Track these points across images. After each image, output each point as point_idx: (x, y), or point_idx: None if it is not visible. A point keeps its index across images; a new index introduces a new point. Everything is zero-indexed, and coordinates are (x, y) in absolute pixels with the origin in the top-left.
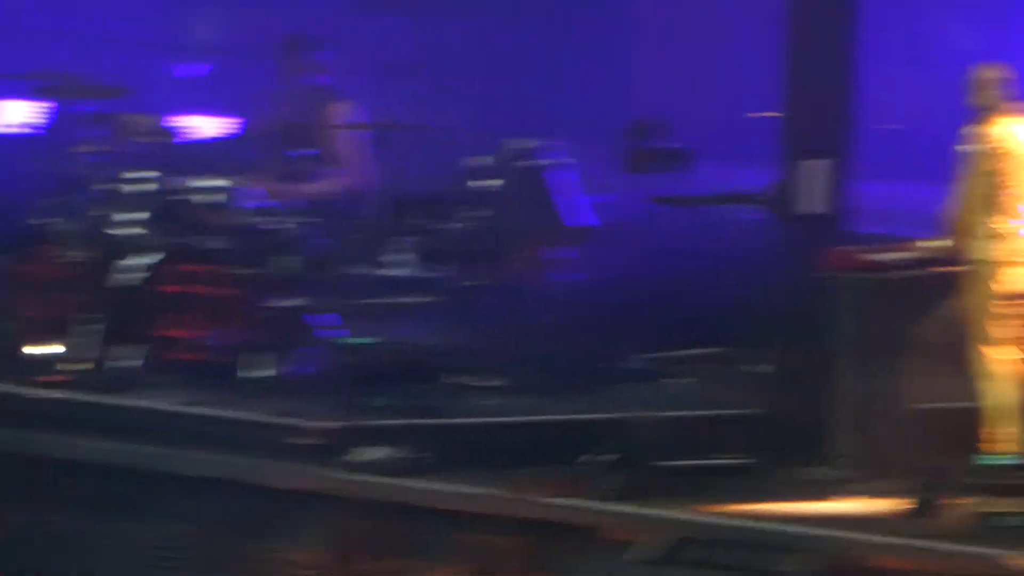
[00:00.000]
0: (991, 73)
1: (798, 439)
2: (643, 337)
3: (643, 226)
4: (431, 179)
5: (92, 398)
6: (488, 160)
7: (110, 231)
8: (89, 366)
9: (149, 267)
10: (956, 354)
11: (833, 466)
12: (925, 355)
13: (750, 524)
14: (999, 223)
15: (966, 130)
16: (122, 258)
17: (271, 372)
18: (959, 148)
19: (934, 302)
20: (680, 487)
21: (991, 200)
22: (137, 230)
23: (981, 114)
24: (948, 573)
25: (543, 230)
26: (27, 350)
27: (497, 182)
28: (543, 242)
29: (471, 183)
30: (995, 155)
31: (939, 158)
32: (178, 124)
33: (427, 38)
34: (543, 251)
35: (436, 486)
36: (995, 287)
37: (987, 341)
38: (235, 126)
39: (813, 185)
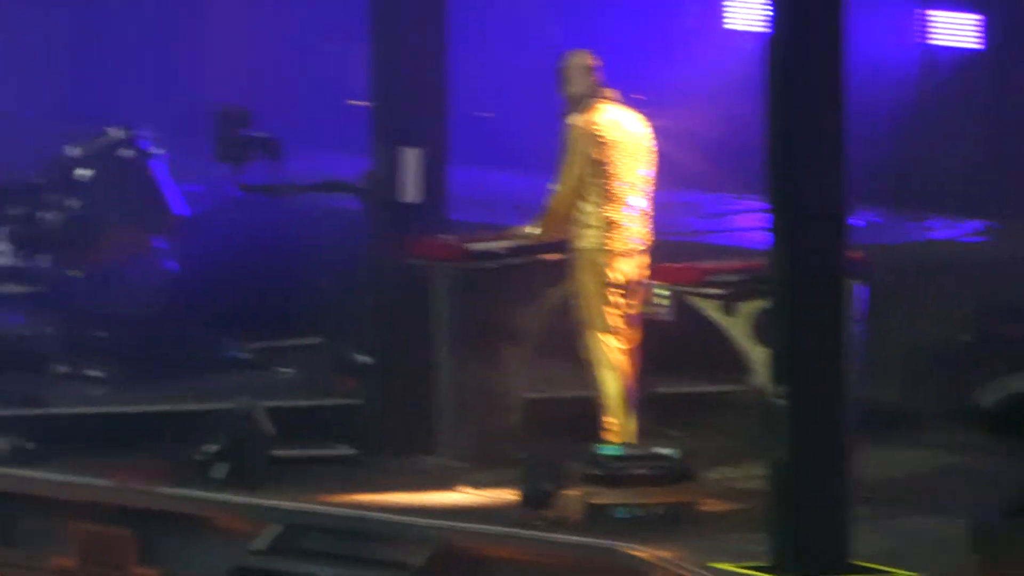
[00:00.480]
0: (583, 60)
1: (402, 429)
2: (242, 327)
3: (236, 216)
4: (23, 167)
5: None
6: (79, 148)
7: None
8: None
9: None
10: (561, 342)
11: (439, 456)
12: (529, 344)
13: (358, 514)
14: (608, 211)
15: (564, 118)
16: None
17: None
18: (560, 136)
19: (536, 290)
20: (288, 477)
21: (597, 188)
22: None
23: (577, 102)
24: (561, 563)
25: (136, 219)
26: None
27: (89, 171)
28: (137, 231)
29: (63, 171)
30: (598, 143)
31: (537, 146)
32: None
33: (14, 24)
34: (138, 240)
35: (41, 475)
36: (606, 275)
37: (600, 329)
38: None
39: (406, 173)
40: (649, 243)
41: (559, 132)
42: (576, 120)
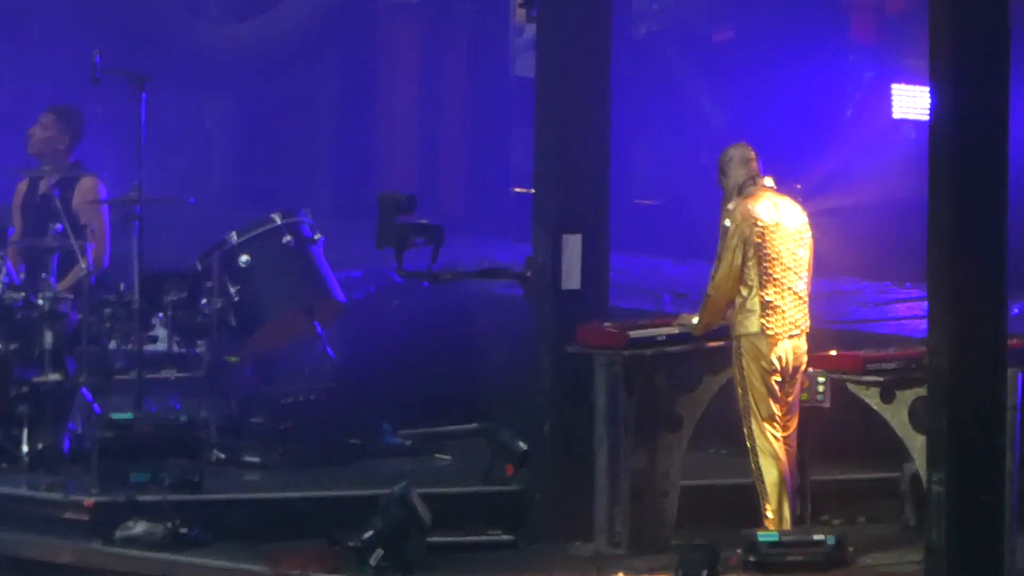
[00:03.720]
0: (742, 152)
1: (560, 516)
2: (400, 413)
3: (396, 301)
4: (185, 253)
5: None
6: (241, 234)
7: None
8: None
9: None
10: (724, 430)
11: (597, 543)
12: (688, 430)
13: None
14: (767, 296)
15: (723, 206)
16: None
17: (31, 447)
18: (720, 224)
19: (696, 377)
20: (445, 563)
21: (756, 274)
22: None
23: (736, 191)
24: None
25: (296, 305)
26: None
27: (250, 256)
28: (296, 317)
29: (224, 257)
30: (757, 229)
31: (697, 233)
32: None
33: (182, 113)
34: (297, 326)
35: (197, 560)
36: (766, 361)
37: (759, 416)
38: None
39: (567, 259)
40: (807, 329)
41: (719, 220)
42: (735, 207)
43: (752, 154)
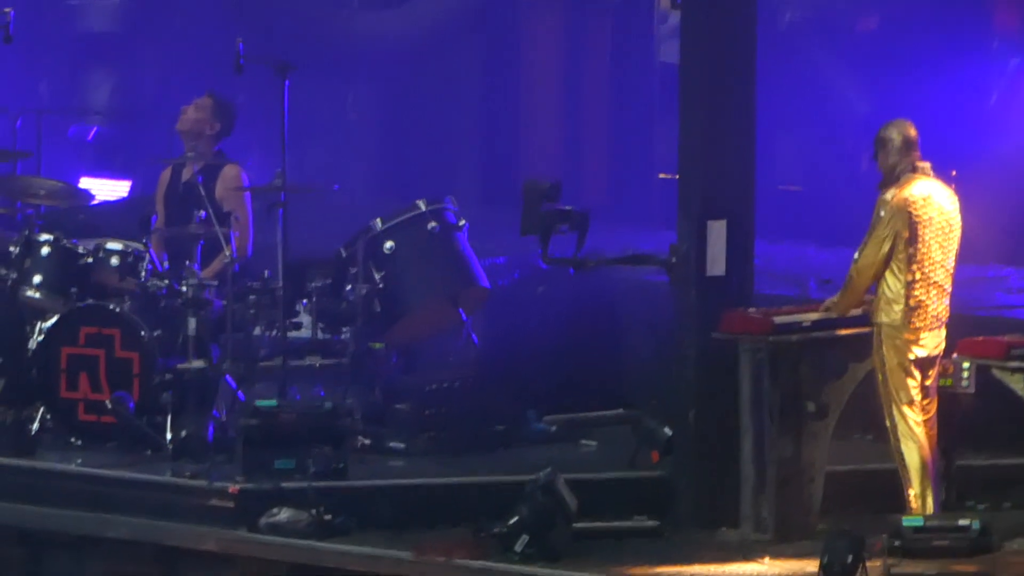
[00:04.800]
0: (904, 130)
1: (706, 502)
2: (545, 399)
3: (541, 287)
4: (330, 241)
5: None
6: (386, 221)
7: (14, 294)
8: None
9: (51, 330)
10: (868, 416)
11: (742, 529)
12: (832, 417)
13: None
14: (913, 288)
15: (879, 188)
16: (27, 320)
17: (175, 435)
18: (875, 208)
19: (840, 364)
20: (590, 550)
21: (903, 263)
22: (40, 293)
23: (893, 173)
24: None
25: (440, 291)
26: None
27: (395, 243)
28: (441, 304)
29: (369, 244)
30: (911, 220)
31: (841, 219)
32: (76, 187)
33: (325, 101)
34: (441, 312)
35: (342, 547)
36: (909, 350)
37: (902, 402)
38: (131, 189)
39: (712, 246)
40: (946, 319)
41: (863, 206)
42: (890, 194)
43: (913, 132)
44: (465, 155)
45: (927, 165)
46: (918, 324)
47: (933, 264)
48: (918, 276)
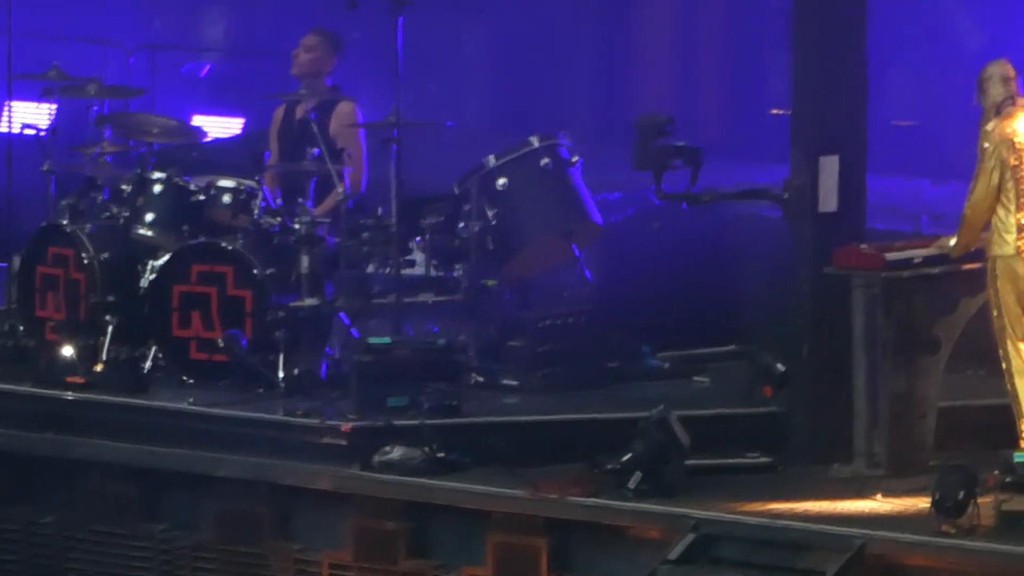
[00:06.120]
0: (1002, 70)
1: (819, 438)
2: (659, 336)
3: (656, 223)
4: (443, 178)
5: (108, 399)
6: (500, 158)
7: (127, 232)
8: (103, 367)
9: (164, 268)
10: (980, 351)
11: (855, 465)
12: (945, 352)
13: (772, 523)
14: None
15: (981, 126)
16: (139, 258)
17: (288, 372)
18: (977, 144)
19: (953, 299)
20: (703, 486)
21: (1014, 194)
22: (153, 231)
23: (995, 110)
24: (975, 571)
25: (554, 228)
26: (44, 351)
27: (508, 180)
28: (555, 240)
29: (483, 181)
30: (1016, 149)
31: (956, 154)
32: (189, 125)
33: (440, 37)
34: (555, 249)
35: (456, 485)
36: (1021, 283)
37: (1017, 337)
38: (244, 126)
39: (825, 181)
40: None
41: (976, 141)
42: (993, 127)
43: (1012, 72)
44: (579, 91)
45: None
46: None
47: None
48: None
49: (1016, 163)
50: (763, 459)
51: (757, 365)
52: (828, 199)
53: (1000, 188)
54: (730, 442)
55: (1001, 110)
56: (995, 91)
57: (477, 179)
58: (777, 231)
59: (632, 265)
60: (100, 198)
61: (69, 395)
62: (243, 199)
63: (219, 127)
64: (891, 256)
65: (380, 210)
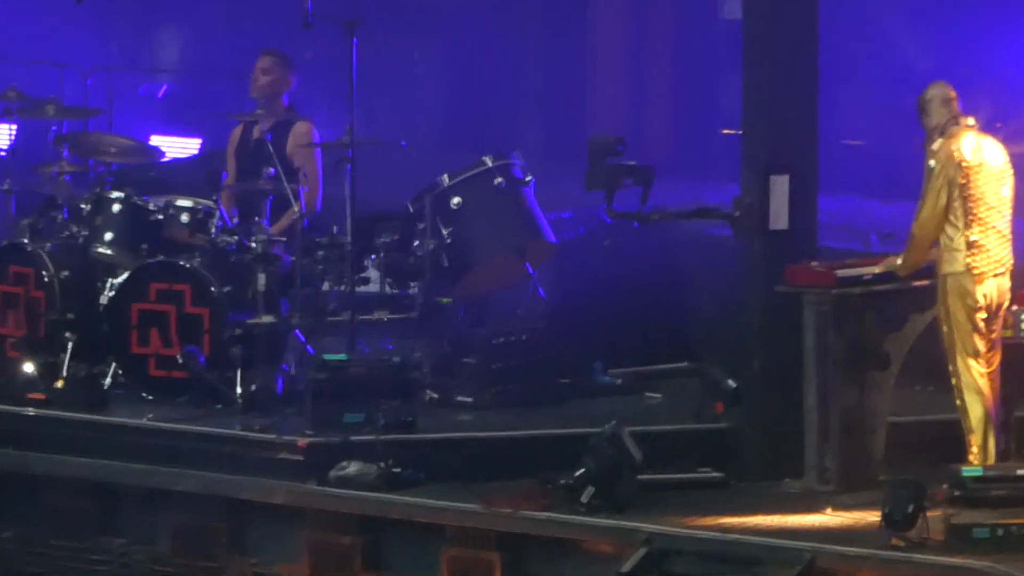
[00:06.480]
0: (942, 92)
1: (770, 453)
2: (611, 352)
3: (607, 241)
4: (397, 196)
5: (68, 415)
6: (453, 177)
7: (86, 250)
8: (63, 384)
9: (123, 286)
10: (929, 367)
11: (806, 479)
12: (895, 368)
13: (724, 537)
14: (972, 234)
15: (926, 146)
16: (98, 277)
17: (245, 388)
18: (925, 163)
19: (902, 315)
20: (655, 500)
21: (960, 212)
22: (111, 250)
23: (938, 131)
24: None
25: (507, 246)
26: (4, 368)
27: (462, 199)
28: (508, 258)
29: (437, 199)
30: (960, 168)
31: (904, 173)
32: (147, 144)
33: (392, 58)
34: (508, 267)
35: (411, 500)
36: (972, 299)
37: (965, 353)
38: (201, 146)
39: (775, 200)
40: (1011, 267)
41: (923, 161)
42: (939, 147)
43: (952, 93)
44: (531, 111)
45: (971, 119)
46: (981, 268)
47: (989, 209)
48: (975, 221)
49: (963, 182)
50: (714, 474)
51: (708, 381)
52: (779, 217)
53: (948, 207)
54: (682, 457)
55: (945, 130)
56: (937, 112)
57: (431, 198)
58: (727, 249)
59: (584, 283)
60: (60, 217)
61: (30, 411)
62: (200, 218)
63: (176, 147)
64: (842, 273)
65: (335, 228)
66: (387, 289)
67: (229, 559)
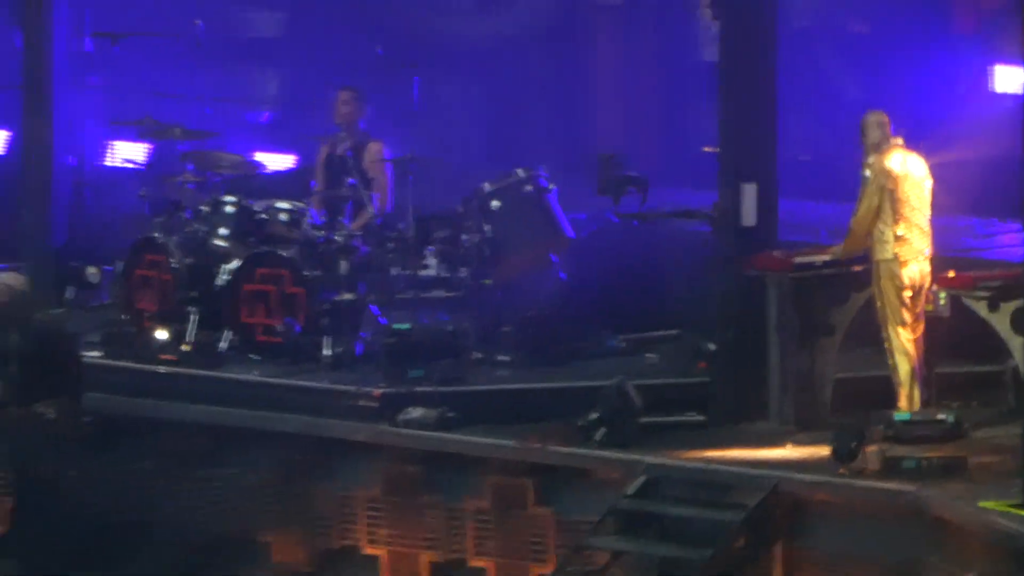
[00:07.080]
0: (877, 118)
1: (742, 401)
2: (617, 323)
3: (612, 236)
4: (449, 201)
5: (192, 371)
6: (493, 184)
7: (205, 242)
8: (188, 348)
9: (235, 270)
10: (868, 334)
11: (770, 422)
12: (840, 335)
13: (706, 466)
14: (899, 230)
15: (864, 160)
16: (215, 263)
17: (331, 351)
18: (860, 174)
19: (846, 293)
20: (652, 439)
21: (889, 212)
22: (225, 242)
23: (873, 148)
24: (864, 504)
25: (535, 240)
26: (142, 336)
27: (499, 202)
28: (536, 249)
29: (480, 203)
30: (891, 177)
31: (844, 182)
32: (252, 160)
33: (442, 90)
34: (536, 256)
35: (462, 437)
36: (900, 280)
37: (895, 323)
38: (296, 161)
39: (745, 203)
40: (930, 255)
41: (860, 171)
42: (874, 161)
43: (885, 118)
44: (553, 133)
45: (900, 139)
46: (906, 256)
47: (912, 210)
48: (901, 219)
49: (892, 188)
50: (698, 417)
51: (693, 345)
52: (748, 216)
53: (879, 208)
54: (673, 405)
55: (880, 148)
56: (873, 134)
57: (476, 201)
58: (707, 242)
59: (596, 269)
60: (184, 217)
61: (162, 369)
62: (295, 217)
63: (276, 162)
64: (798, 260)
65: (401, 226)
66: (442, 273)
67: (318, 485)
